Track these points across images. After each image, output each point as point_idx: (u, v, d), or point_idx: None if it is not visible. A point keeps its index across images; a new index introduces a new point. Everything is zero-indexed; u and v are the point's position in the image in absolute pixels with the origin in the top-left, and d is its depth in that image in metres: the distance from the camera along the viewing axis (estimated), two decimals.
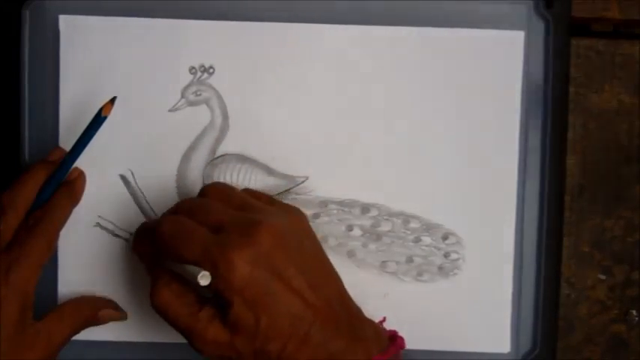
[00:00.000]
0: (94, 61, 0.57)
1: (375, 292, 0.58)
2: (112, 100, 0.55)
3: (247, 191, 0.54)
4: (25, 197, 0.53)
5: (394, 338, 0.52)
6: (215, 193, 0.52)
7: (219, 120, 0.57)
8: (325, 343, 0.48)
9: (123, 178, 0.57)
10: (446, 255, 0.58)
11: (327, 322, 0.48)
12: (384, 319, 0.56)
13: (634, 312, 0.59)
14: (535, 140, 0.58)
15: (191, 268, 0.47)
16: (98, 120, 0.54)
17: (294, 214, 0.51)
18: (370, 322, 0.52)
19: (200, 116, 0.57)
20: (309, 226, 0.52)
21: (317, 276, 0.49)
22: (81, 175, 0.56)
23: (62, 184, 0.55)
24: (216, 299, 0.48)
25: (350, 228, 0.58)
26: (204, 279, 0.46)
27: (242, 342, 0.47)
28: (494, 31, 0.57)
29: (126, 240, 0.57)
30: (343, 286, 0.51)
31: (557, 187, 0.58)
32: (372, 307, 0.57)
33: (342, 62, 0.57)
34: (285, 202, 0.57)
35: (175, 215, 0.50)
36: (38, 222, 0.53)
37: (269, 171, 0.58)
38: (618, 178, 0.59)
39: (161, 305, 0.49)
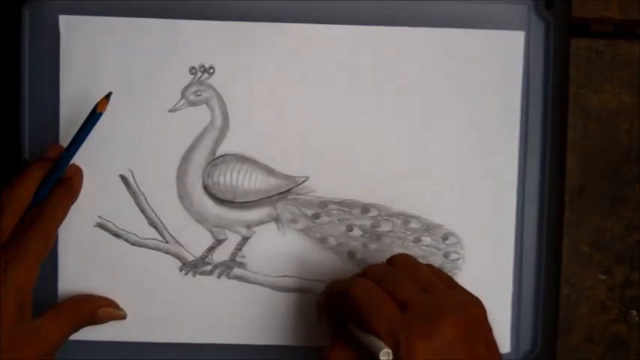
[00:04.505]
0: (93, 61, 0.57)
1: None
2: (107, 96, 0.55)
3: (430, 268, 0.54)
4: (23, 195, 0.53)
5: None
6: (403, 265, 0.52)
7: (219, 120, 0.57)
8: None
9: (123, 178, 0.57)
10: (446, 255, 0.58)
11: None
12: None
13: (634, 312, 0.59)
14: (535, 140, 0.58)
15: (371, 337, 0.47)
16: (94, 116, 0.55)
17: (475, 305, 0.51)
18: None
19: (200, 116, 0.57)
20: (485, 317, 0.51)
21: None
22: (78, 172, 0.56)
23: (60, 181, 0.55)
24: None
25: (350, 228, 0.58)
26: (385, 356, 0.46)
27: None
28: (494, 31, 0.57)
29: (126, 240, 0.57)
30: None
31: (557, 187, 0.58)
32: None
33: (342, 62, 0.57)
34: (286, 202, 0.57)
35: (368, 281, 0.50)
36: (36, 219, 0.53)
37: (269, 171, 0.58)
38: (618, 178, 0.59)
39: None
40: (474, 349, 0.48)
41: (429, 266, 0.54)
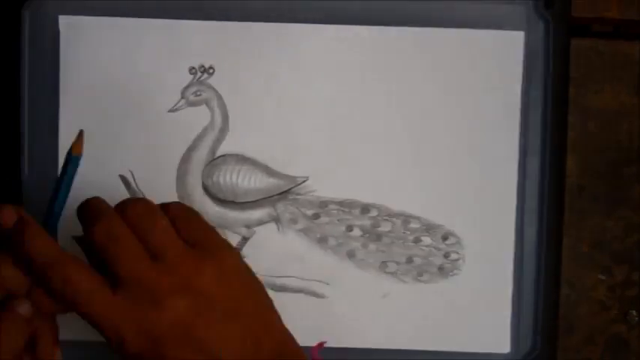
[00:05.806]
0: (93, 61, 0.57)
1: (375, 293, 0.57)
2: (80, 136, 0.48)
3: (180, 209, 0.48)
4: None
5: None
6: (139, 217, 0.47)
7: (219, 120, 0.57)
8: None
9: (123, 178, 0.57)
10: (446, 255, 0.58)
11: None
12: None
13: (634, 312, 0.59)
14: (535, 140, 0.58)
15: None
16: (71, 161, 0.48)
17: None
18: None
19: (200, 116, 0.57)
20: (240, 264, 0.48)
21: (253, 328, 0.47)
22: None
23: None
24: None
25: (350, 228, 0.58)
26: None
27: None
28: (494, 31, 0.57)
29: None
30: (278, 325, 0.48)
31: (557, 187, 0.58)
32: (372, 308, 0.57)
33: (342, 62, 0.57)
34: (286, 202, 0.57)
35: (117, 225, 0.46)
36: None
37: (269, 171, 0.58)
38: (618, 178, 0.59)
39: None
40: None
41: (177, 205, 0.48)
